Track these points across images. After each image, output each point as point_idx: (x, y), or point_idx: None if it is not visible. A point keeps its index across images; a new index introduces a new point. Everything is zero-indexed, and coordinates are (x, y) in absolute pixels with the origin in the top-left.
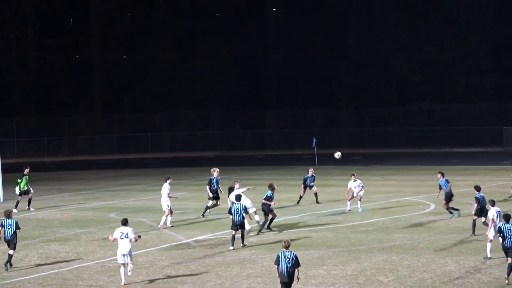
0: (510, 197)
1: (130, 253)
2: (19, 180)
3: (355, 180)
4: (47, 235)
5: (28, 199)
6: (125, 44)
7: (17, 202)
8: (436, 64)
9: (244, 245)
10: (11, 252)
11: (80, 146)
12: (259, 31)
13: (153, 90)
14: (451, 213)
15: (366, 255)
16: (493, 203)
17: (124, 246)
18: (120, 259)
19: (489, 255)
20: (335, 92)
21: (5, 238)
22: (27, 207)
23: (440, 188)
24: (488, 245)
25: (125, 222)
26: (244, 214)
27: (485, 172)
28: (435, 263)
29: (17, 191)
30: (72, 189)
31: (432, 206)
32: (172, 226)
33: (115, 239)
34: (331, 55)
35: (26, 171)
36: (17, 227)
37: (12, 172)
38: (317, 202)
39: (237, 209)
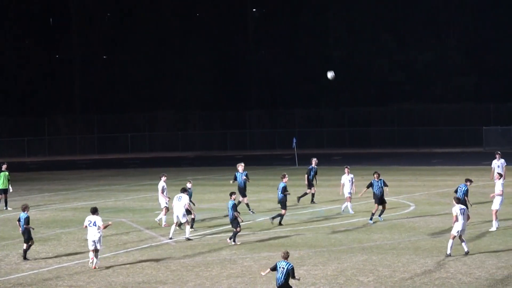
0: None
1: (99, 240)
2: None
3: (348, 174)
4: None
5: (4, 199)
6: (105, 45)
7: (1, 200)
8: (416, 64)
9: (234, 243)
10: (24, 246)
11: (60, 146)
12: (239, 31)
13: (133, 91)
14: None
15: (346, 255)
16: (458, 201)
17: (92, 233)
18: (90, 245)
19: (449, 252)
20: (315, 92)
21: (21, 230)
22: (5, 207)
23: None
24: (450, 241)
25: (93, 211)
26: (233, 212)
27: (465, 172)
28: (416, 263)
29: None
30: (52, 189)
31: (412, 207)
32: (159, 225)
33: (86, 227)
34: (311, 55)
35: (4, 167)
36: (26, 223)
37: None
38: (313, 202)
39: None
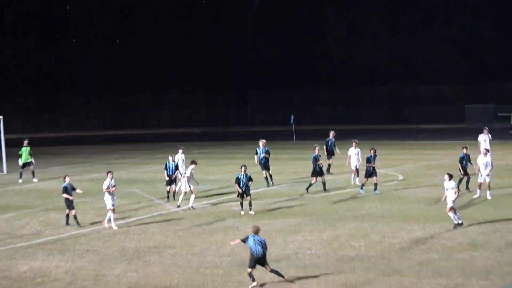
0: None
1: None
2: (20, 152)
3: (355, 147)
4: (47, 205)
5: (31, 171)
6: (117, 30)
7: (21, 173)
8: (404, 50)
9: (251, 210)
10: (73, 212)
11: (76, 123)
12: (241, 20)
13: (143, 73)
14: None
15: (340, 222)
16: (450, 177)
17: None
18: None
19: (456, 222)
20: (311, 74)
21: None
22: (19, 179)
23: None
24: (450, 214)
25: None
26: (249, 184)
27: (449, 146)
28: (404, 230)
29: (20, 162)
30: (70, 162)
31: (401, 177)
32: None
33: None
34: (308, 41)
35: (26, 142)
36: (73, 189)
37: (15, 147)
38: (329, 172)
39: (241, 179)
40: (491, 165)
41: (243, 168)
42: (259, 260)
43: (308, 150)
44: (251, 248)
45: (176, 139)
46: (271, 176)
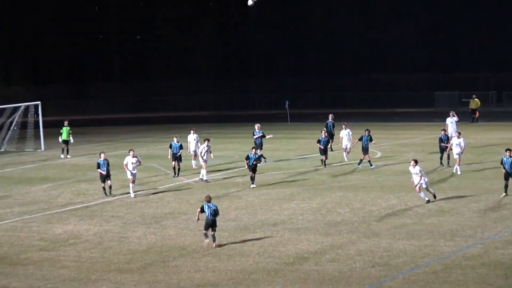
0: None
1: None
2: (61, 131)
3: (345, 129)
4: (79, 177)
5: (67, 148)
6: (138, 27)
7: (63, 149)
8: (381, 42)
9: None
10: (109, 182)
11: (103, 107)
12: (242, 17)
13: (160, 62)
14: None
15: (327, 192)
16: (415, 163)
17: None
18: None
19: (426, 198)
20: (302, 64)
21: (101, 174)
22: (65, 155)
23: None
24: (421, 194)
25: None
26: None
27: (420, 127)
28: (381, 198)
29: (60, 139)
30: (97, 141)
31: (379, 154)
32: (206, 180)
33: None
34: (299, 35)
35: (66, 123)
36: (108, 164)
37: (50, 127)
38: (331, 149)
39: (251, 158)
40: (463, 146)
41: (253, 150)
42: (211, 223)
43: (300, 130)
44: (206, 214)
45: (188, 121)
46: (261, 154)
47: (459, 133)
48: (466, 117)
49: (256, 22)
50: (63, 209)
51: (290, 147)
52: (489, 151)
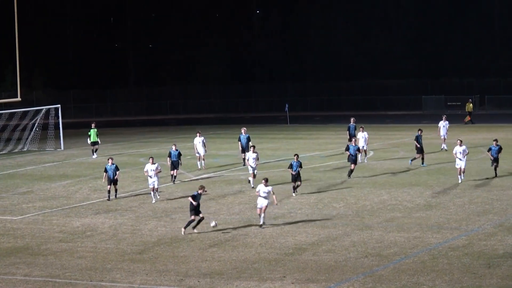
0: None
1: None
2: (89, 133)
3: (362, 132)
4: (95, 174)
5: (95, 149)
6: (151, 37)
7: (92, 150)
8: (374, 51)
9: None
10: (108, 187)
11: (118, 110)
12: (246, 27)
13: (171, 69)
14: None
15: (324, 188)
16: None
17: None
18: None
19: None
20: (301, 71)
21: (109, 178)
22: (93, 155)
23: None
24: None
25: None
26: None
27: (410, 128)
28: (373, 194)
29: (89, 141)
30: (113, 141)
31: (371, 153)
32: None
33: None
34: (299, 44)
35: (93, 125)
36: (117, 169)
37: (69, 129)
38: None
39: (294, 166)
40: (467, 151)
41: (295, 157)
42: (197, 209)
43: (299, 131)
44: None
45: (196, 123)
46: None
47: (461, 140)
48: (453, 118)
49: (259, 33)
50: (80, 204)
51: (289, 147)
52: (473, 150)
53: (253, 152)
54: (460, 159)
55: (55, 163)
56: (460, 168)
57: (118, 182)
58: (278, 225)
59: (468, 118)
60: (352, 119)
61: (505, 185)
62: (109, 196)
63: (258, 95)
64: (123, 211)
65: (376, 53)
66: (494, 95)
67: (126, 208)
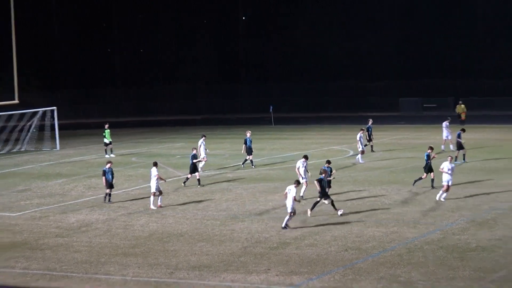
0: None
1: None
2: (103, 134)
3: (363, 133)
4: (89, 172)
5: (108, 148)
6: (139, 39)
7: (105, 150)
8: (358, 52)
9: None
10: (107, 190)
11: (108, 110)
12: (234, 28)
13: (158, 70)
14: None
15: (306, 186)
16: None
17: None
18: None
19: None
20: (287, 71)
21: (107, 180)
22: (110, 154)
23: None
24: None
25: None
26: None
27: (387, 128)
28: (354, 191)
29: (106, 141)
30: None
31: (351, 152)
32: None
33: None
34: (284, 45)
35: (107, 126)
36: (113, 173)
37: (62, 130)
38: (372, 151)
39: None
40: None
41: (324, 174)
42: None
43: (283, 132)
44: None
45: (184, 124)
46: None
47: (451, 157)
48: (429, 120)
49: (245, 34)
50: (76, 201)
51: (274, 147)
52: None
53: (304, 160)
54: (449, 174)
55: (51, 162)
56: (448, 185)
57: (114, 187)
58: (263, 221)
59: (463, 118)
60: (370, 120)
61: (479, 183)
62: (105, 199)
63: (244, 96)
64: (116, 207)
65: (360, 54)
66: (479, 97)
67: (119, 205)
